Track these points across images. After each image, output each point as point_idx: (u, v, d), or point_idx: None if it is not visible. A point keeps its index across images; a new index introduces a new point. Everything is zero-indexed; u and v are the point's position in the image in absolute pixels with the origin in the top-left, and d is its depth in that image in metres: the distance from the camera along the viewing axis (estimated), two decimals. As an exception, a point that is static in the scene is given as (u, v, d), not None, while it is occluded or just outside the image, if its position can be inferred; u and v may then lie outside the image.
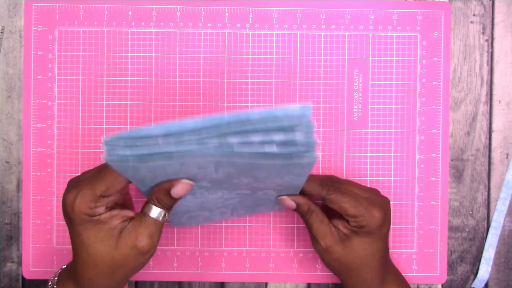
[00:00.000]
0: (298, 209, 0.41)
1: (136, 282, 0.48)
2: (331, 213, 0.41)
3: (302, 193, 0.41)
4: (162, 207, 0.37)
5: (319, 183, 0.40)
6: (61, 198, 0.47)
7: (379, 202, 0.40)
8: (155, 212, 0.37)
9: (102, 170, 0.37)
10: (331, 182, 0.40)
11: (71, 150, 0.47)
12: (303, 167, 0.32)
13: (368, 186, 0.46)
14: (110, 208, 0.37)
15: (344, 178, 0.45)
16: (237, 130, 0.29)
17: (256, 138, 0.29)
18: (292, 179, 0.35)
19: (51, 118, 0.47)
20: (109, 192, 0.36)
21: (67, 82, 0.47)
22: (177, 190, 0.36)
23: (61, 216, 0.47)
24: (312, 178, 0.40)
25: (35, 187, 0.47)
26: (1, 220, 0.47)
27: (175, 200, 0.37)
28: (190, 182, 0.35)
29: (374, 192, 0.42)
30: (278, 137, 0.29)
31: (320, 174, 0.47)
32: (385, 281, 0.41)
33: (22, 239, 0.47)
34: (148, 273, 0.48)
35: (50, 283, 0.40)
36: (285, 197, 0.41)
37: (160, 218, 0.37)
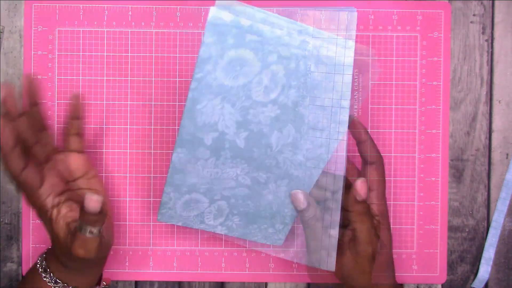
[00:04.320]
0: (304, 212, 0.41)
1: (136, 282, 0.48)
2: None
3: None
4: (86, 223, 0.37)
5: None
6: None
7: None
8: (84, 229, 0.37)
9: None
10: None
11: (71, 150, 0.47)
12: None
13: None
14: (57, 203, 0.39)
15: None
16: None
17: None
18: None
19: (51, 118, 0.47)
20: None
21: (67, 82, 0.47)
22: (88, 203, 0.36)
23: (61, 216, 0.47)
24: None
25: (35, 187, 0.47)
26: (1, 220, 0.47)
27: (89, 214, 0.37)
28: (99, 199, 0.36)
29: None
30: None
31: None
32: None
33: (22, 239, 0.47)
34: (148, 273, 0.48)
35: (38, 263, 0.41)
36: (299, 191, 0.41)
37: (87, 233, 0.37)
